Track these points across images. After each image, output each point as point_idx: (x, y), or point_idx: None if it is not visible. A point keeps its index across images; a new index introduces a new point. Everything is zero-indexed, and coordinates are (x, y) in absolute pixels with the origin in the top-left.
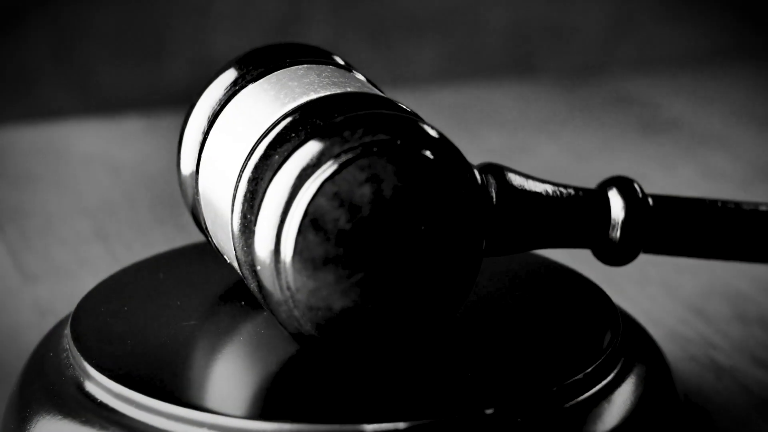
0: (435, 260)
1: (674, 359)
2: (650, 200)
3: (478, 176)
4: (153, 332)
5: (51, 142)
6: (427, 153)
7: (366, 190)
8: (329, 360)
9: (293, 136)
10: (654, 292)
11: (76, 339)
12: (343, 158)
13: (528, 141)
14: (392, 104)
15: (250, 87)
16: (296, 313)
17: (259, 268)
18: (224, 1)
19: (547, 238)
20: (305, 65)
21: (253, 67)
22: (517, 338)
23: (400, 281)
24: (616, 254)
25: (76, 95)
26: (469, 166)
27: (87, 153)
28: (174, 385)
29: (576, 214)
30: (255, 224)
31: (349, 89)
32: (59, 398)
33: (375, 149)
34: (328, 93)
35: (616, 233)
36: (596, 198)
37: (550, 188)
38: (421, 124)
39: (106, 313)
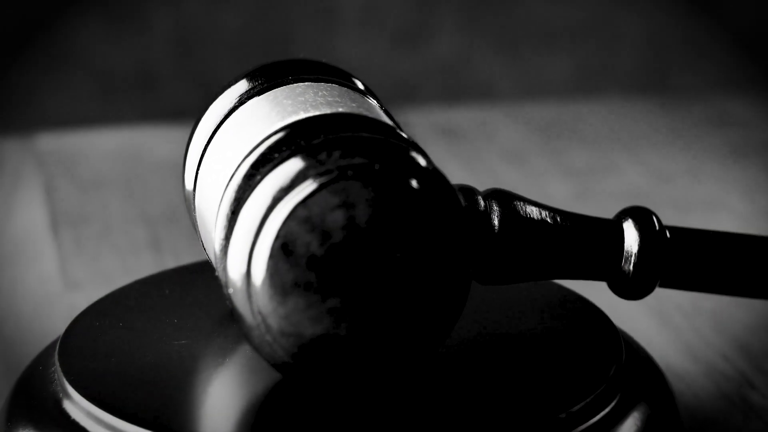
0: (414, 290)
1: (706, 396)
2: (668, 233)
3: (482, 203)
4: (140, 350)
5: (129, 146)
6: (407, 180)
7: (338, 216)
8: (313, 388)
9: (275, 156)
10: (701, 324)
11: (62, 354)
12: (318, 181)
13: (613, 160)
14: (386, 129)
15: (249, 103)
16: (268, 338)
17: (231, 291)
18: (350, 7)
19: (555, 269)
20: (305, 83)
21: (260, 82)
22: (510, 369)
23: (377, 310)
24: (629, 287)
25: (197, 96)
26: (457, 196)
27: (162, 159)
28: (150, 408)
29: (587, 245)
30: (228, 246)
31: (340, 110)
32: (37, 414)
33: (350, 173)
34: (317, 113)
35: (629, 266)
36: (610, 229)
37: (560, 217)
38: (408, 151)
39: (100, 328)
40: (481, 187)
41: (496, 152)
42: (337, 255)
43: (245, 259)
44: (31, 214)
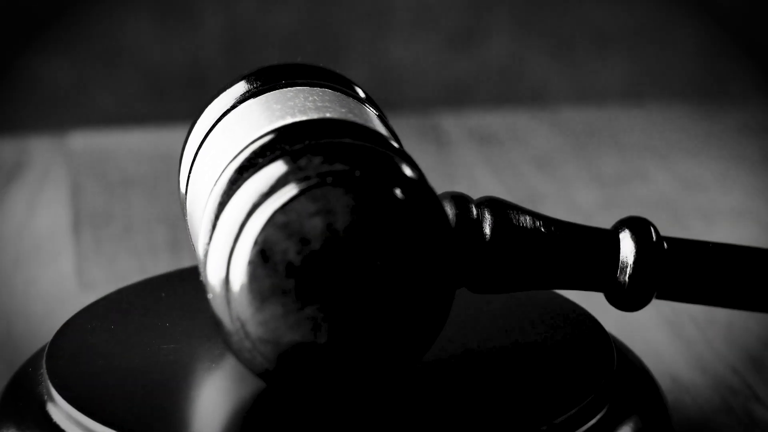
0: (394, 299)
1: (710, 409)
2: (665, 244)
3: (474, 211)
4: (128, 354)
5: (161, 146)
6: (388, 188)
7: (317, 222)
8: (295, 395)
9: (260, 161)
10: (714, 335)
11: (50, 356)
12: (297, 187)
13: (645, 168)
14: (373, 136)
15: (241, 106)
16: (247, 344)
17: (210, 296)
18: (404, 9)
19: (548, 279)
20: (297, 87)
21: (255, 85)
22: (497, 379)
23: (356, 318)
24: (626, 299)
25: None
26: (441, 206)
27: None
28: (131, 412)
29: (582, 255)
30: (208, 251)
31: (327, 115)
32: (20, 415)
33: (330, 179)
34: (304, 118)
35: (625, 277)
36: (606, 239)
37: (554, 227)
38: (392, 159)
39: (91, 330)
40: (506, 192)
41: (528, 158)
42: (315, 262)
43: (224, 264)
44: (54, 213)
